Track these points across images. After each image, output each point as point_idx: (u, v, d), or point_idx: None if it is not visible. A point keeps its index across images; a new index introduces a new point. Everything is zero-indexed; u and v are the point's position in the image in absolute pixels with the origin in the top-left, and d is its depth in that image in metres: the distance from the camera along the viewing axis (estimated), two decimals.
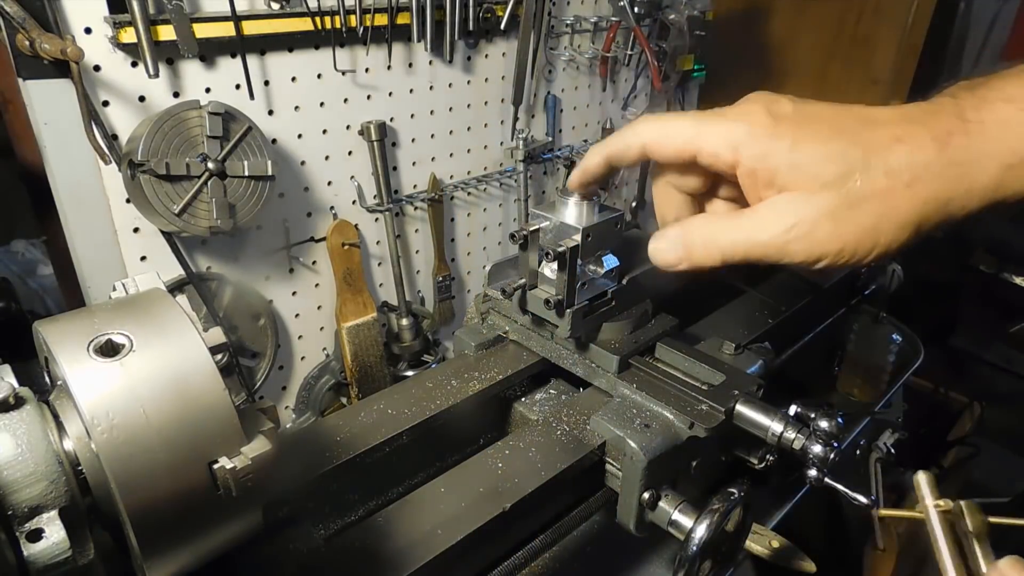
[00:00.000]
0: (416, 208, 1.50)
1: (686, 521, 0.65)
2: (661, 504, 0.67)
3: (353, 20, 1.21)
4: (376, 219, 1.41)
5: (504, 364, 0.82)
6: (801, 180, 0.51)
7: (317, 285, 1.38)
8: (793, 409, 0.71)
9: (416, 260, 1.56)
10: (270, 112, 1.20)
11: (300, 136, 1.26)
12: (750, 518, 0.70)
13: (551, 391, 0.86)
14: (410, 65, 1.36)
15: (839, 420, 0.68)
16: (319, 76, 1.24)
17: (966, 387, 2.18)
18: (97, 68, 1.00)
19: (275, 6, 1.13)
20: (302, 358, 1.43)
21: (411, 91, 1.39)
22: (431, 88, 1.42)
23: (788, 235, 0.51)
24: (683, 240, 0.58)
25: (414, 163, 1.46)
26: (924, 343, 1.37)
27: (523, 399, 0.85)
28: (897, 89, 1.98)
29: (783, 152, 0.51)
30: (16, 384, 0.43)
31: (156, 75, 1.00)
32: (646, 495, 0.67)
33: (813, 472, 0.68)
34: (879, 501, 1.33)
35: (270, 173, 1.09)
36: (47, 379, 0.49)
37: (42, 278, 1.97)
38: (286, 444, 0.69)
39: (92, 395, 0.40)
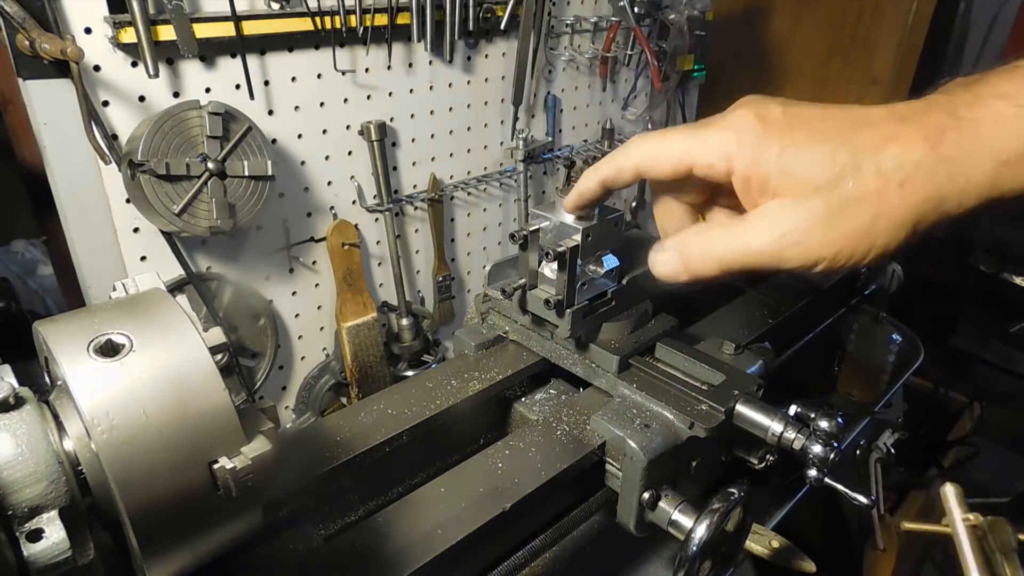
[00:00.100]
0: (416, 208, 1.50)
1: (686, 521, 0.65)
2: (661, 504, 0.67)
3: (353, 20, 1.21)
4: (376, 219, 1.41)
5: (504, 364, 0.82)
6: (792, 185, 0.50)
7: (317, 285, 1.38)
8: (793, 409, 0.71)
9: (416, 260, 1.56)
10: (270, 112, 1.20)
11: (300, 136, 1.26)
12: (750, 518, 0.70)
13: (551, 391, 0.87)
14: (410, 65, 1.36)
15: (839, 420, 0.68)
16: (319, 76, 1.24)
17: (966, 387, 2.18)
18: (97, 68, 1.00)
19: (275, 6, 1.13)
20: (302, 358, 1.43)
21: (411, 91, 1.39)
22: (431, 88, 1.42)
23: (782, 242, 0.51)
24: (680, 252, 0.57)
25: (414, 163, 1.46)
26: (924, 343, 1.37)
27: (523, 399, 0.85)
28: (897, 89, 1.97)
29: (773, 157, 0.51)
30: (16, 384, 0.43)
31: (156, 75, 1.00)
32: (646, 495, 0.67)
33: (813, 472, 0.68)
34: (879, 501, 1.33)
35: (270, 173, 1.09)
36: (47, 379, 0.49)
37: (42, 278, 1.97)
38: (286, 444, 0.69)
39: (92, 395, 0.40)
